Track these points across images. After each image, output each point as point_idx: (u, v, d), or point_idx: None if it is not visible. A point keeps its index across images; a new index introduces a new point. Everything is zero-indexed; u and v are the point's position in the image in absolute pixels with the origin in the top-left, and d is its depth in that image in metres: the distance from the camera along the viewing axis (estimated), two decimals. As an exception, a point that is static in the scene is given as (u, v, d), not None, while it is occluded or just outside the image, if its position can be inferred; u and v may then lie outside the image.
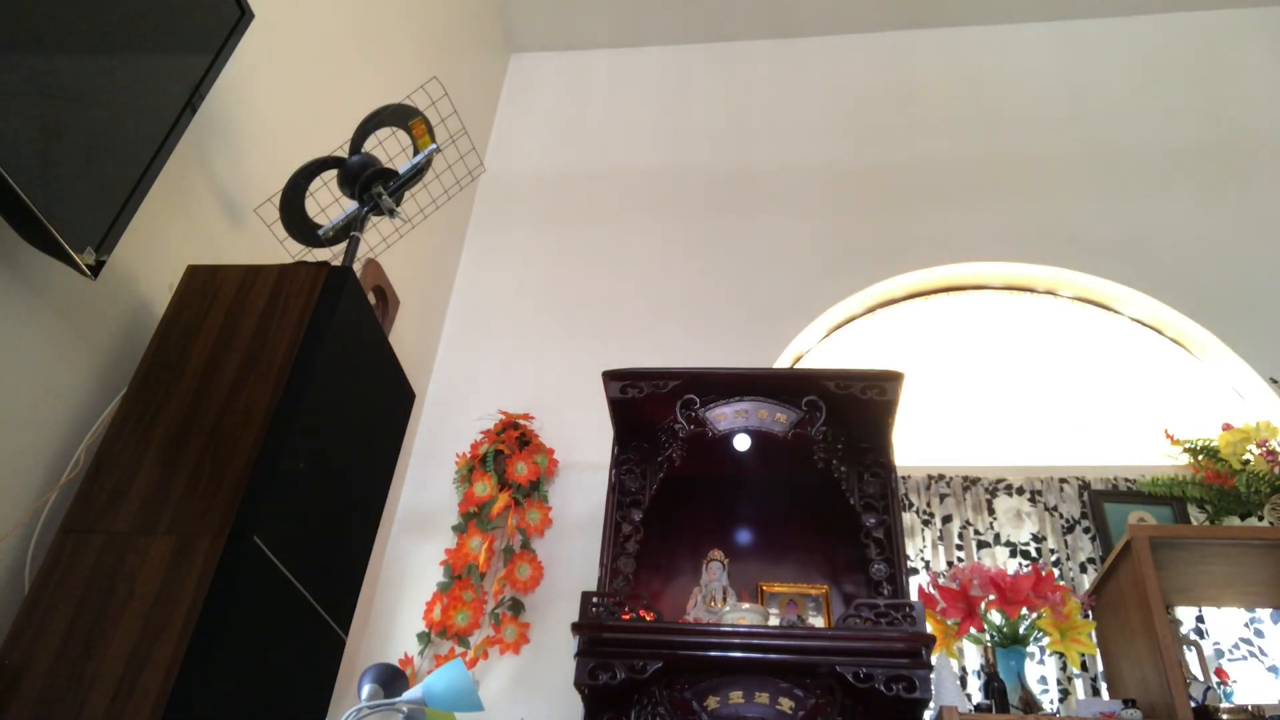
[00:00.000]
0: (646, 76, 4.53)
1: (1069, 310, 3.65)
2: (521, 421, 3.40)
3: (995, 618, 2.56)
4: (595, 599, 2.31)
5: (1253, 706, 2.29)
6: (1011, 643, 2.53)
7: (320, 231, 2.32)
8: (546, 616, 3.05)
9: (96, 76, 1.69)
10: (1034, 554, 2.99)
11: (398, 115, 2.37)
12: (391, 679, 1.94)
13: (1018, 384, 3.50)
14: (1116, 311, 3.61)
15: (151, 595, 1.55)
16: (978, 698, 2.63)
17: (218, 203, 2.33)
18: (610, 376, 2.63)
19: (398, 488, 3.37)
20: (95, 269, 1.68)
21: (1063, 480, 3.13)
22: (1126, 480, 3.09)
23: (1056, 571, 2.93)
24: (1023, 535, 3.04)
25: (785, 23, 4.51)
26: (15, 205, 1.51)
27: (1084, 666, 2.72)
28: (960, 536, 3.03)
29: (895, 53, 4.42)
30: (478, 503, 3.23)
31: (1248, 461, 2.70)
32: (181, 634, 1.51)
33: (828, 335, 3.69)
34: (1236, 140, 3.85)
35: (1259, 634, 2.79)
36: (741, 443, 2.60)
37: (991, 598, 2.52)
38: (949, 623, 2.53)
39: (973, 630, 2.52)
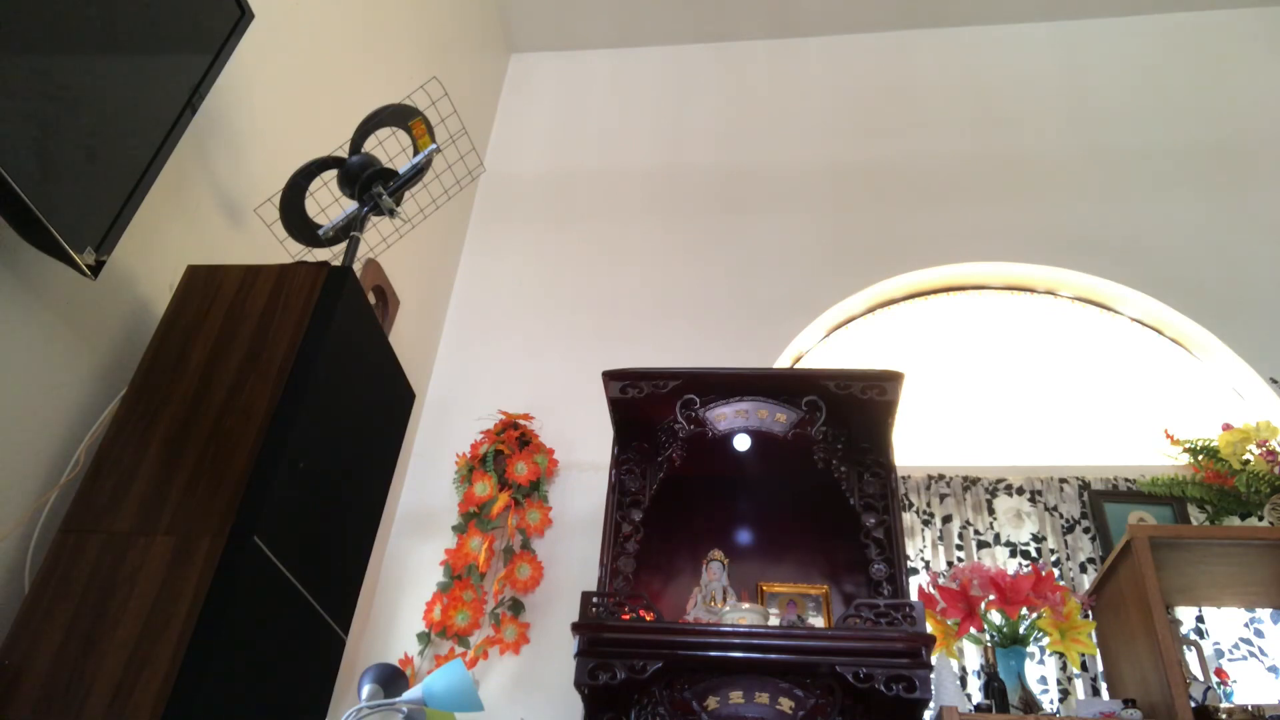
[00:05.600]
0: (646, 76, 4.53)
1: (1069, 310, 3.65)
2: (521, 421, 3.39)
3: (995, 618, 2.56)
4: (595, 599, 2.31)
5: (1253, 706, 2.29)
6: (1011, 643, 2.53)
7: (320, 231, 2.31)
8: (546, 616, 3.05)
9: (96, 76, 1.69)
10: (1034, 554, 2.99)
11: (398, 115, 2.37)
12: (391, 679, 1.94)
13: (1018, 384, 3.50)
14: (1116, 311, 3.61)
15: (151, 595, 1.55)
16: (978, 698, 2.63)
17: (218, 203, 2.33)
18: (610, 376, 2.62)
19: (398, 488, 3.37)
20: (95, 269, 1.67)
21: (1063, 480, 3.13)
22: (1126, 480, 3.09)
23: (1056, 571, 2.93)
24: (1023, 535, 3.04)
25: (785, 23, 4.51)
26: (15, 205, 1.50)
27: (1084, 666, 2.72)
28: (960, 536, 3.03)
29: (895, 53, 4.42)
30: (478, 503, 3.23)
31: (1248, 461, 2.70)
32: (181, 634, 1.51)
33: (828, 335, 3.69)
34: (1236, 140, 3.85)
35: (1259, 634, 2.79)
36: (741, 443, 2.60)
37: (991, 598, 2.52)
38: (949, 623, 2.53)
39: (973, 630, 2.52)
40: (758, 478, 2.81)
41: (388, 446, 2.27)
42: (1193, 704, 2.26)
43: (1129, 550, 2.48)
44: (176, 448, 1.72)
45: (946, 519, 3.07)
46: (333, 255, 2.34)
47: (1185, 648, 2.49)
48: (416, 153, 2.36)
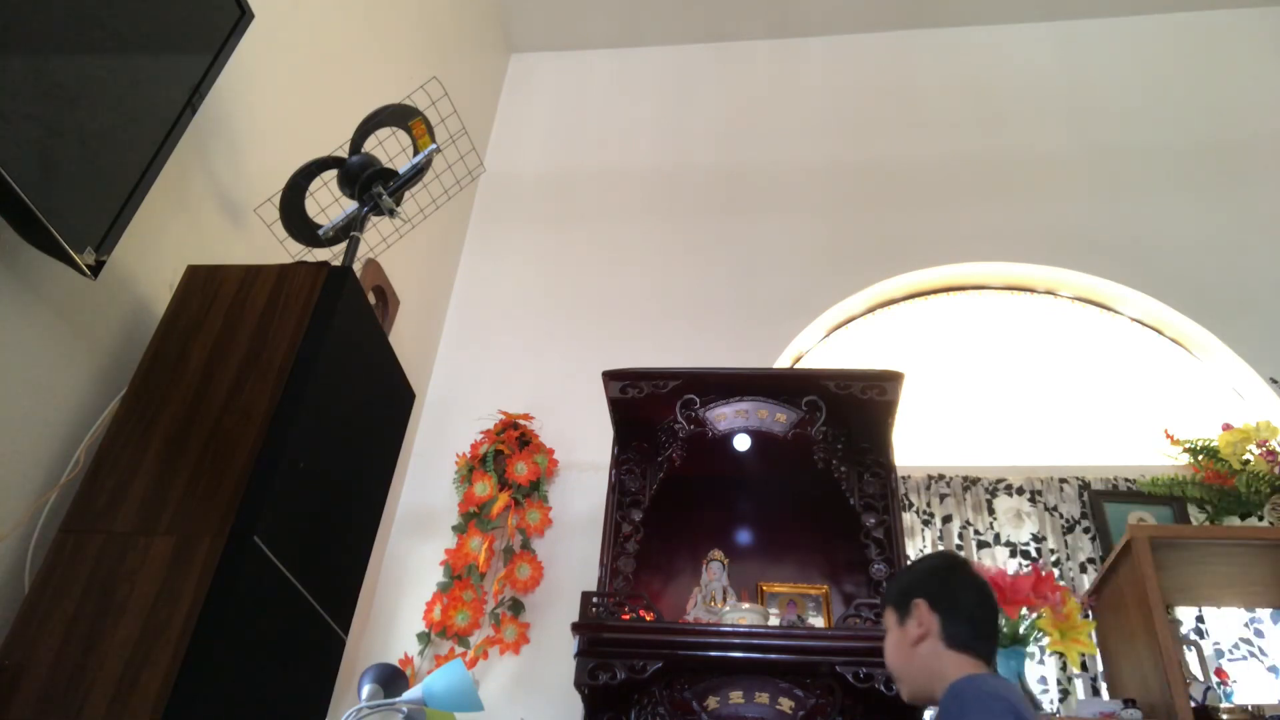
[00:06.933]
0: (647, 76, 4.53)
1: (1069, 310, 3.65)
2: (521, 421, 3.39)
3: (995, 618, 2.55)
4: (595, 599, 2.31)
5: (1253, 706, 2.29)
6: (1011, 643, 2.53)
7: (320, 231, 2.32)
8: (546, 616, 3.05)
9: (96, 76, 1.69)
10: (1034, 554, 2.99)
11: (398, 115, 2.37)
12: (391, 679, 1.94)
13: (1018, 384, 3.50)
14: (1116, 311, 3.61)
15: (151, 595, 1.55)
16: (978, 698, 2.62)
17: (218, 203, 2.33)
18: (610, 376, 2.62)
19: (398, 488, 3.37)
20: (95, 269, 1.67)
21: (1063, 480, 3.13)
22: (1126, 480, 3.09)
23: (1056, 571, 2.93)
24: (1023, 535, 3.04)
25: (785, 23, 4.51)
26: (15, 205, 1.50)
27: (1084, 666, 2.72)
28: (960, 536, 3.03)
29: (895, 53, 4.42)
30: (478, 503, 3.23)
31: (1248, 461, 2.70)
32: (181, 634, 1.51)
33: (828, 335, 3.69)
34: (1236, 140, 3.85)
35: (1259, 634, 2.79)
36: (741, 443, 2.60)
37: (991, 598, 2.52)
38: (949, 623, 2.53)
39: (973, 630, 2.52)
40: (758, 478, 2.81)
41: (388, 446, 2.27)
42: (1193, 704, 2.26)
43: (1129, 550, 2.48)
44: (176, 448, 1.72)
45: (946, 519, 3.07)
46: (333, 255, 2.34)
47: (1185, 648, 2.49)
48: (416, 153, 2.36)
